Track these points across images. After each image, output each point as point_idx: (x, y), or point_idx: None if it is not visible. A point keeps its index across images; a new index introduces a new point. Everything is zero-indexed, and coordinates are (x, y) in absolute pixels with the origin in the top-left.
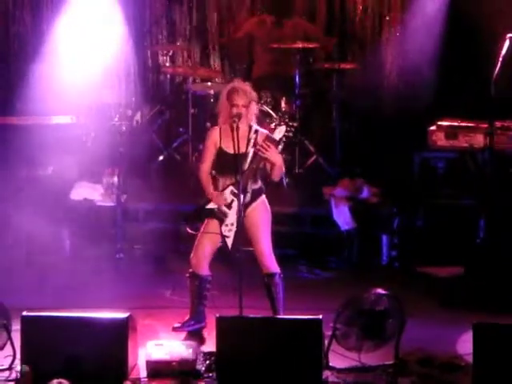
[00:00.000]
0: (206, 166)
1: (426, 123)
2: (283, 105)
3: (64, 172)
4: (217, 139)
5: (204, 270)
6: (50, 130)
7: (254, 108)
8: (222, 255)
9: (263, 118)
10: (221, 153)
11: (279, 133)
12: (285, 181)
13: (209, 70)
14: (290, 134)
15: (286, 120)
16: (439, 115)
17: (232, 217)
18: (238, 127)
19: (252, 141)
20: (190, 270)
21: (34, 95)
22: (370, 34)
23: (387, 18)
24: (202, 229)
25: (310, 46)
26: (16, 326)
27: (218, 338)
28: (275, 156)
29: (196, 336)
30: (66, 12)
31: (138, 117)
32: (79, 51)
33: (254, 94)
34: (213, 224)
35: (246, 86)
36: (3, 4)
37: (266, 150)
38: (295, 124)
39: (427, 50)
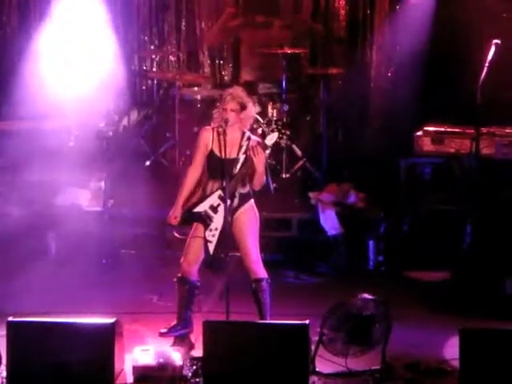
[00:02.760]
0: (194, 170)
1: (412, 128)
2: (270, 110)
3: (50, 177)
4: (209, 140)
5: (193, 275)
6: (37, 135)
7: (250, 115)
8: (208, 259)
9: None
10: (212, 156)
11: (271, 139)
12: (271, 186)
13: (196, 75)
14: (283, 142)
15: (279, 127)
16: (425, 121)
17: (217, 221)
18: (224, 132)
19: (244, 147)
20: (179, 275)
21: (20, 100)
22: (356, 38)
23: (373, 22)
24: (190, 233)
25: (297, 51)
26: (1, 332)
27: (205, 342)
28: (260, 164)
29: (183, 341)
30: (52, 16)
31: (125, 122)
32: (65, 56)
33: (247, 100)
34: (200, 228)
35: (240, 92)
36: None
37: (255, 155)
38: (288, 132)
39: (413, 55)
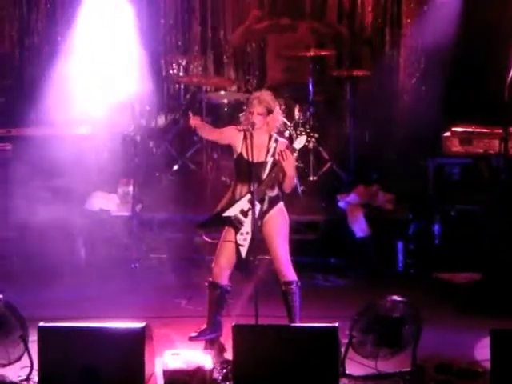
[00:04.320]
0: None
1: (440, 129)
2: (297, 113)
3: (79, 182)
4: (237, 141)
5: (224, 279)
6: (66, 141)
7: (276, 118)
8: (237, 263)
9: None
10: (240, 159)
11: (299, 143)
12: (299, 188)
13: (222, 79)
14: (311, 145)
15: (307, 130)
16: (453, 121)
17: (248, 225)
18: (251, 135)
19: (272, 150)
20: (210, 279)
21: (49, 106)
22: (383, 40)
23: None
24: (221, 237)
25: (323, 53)
26: (33, 337)
27: (235, 346)
28: (289, 167)
29: (213, 345)
30: (79, 22)
31: (152, 126)
32: (93, 61)
33: (274, 104)
34: (231, 232)
35: (267, 96)
36: (18, 15)
37: (284, 158)
38: (316, 135)
39: (440, 55)
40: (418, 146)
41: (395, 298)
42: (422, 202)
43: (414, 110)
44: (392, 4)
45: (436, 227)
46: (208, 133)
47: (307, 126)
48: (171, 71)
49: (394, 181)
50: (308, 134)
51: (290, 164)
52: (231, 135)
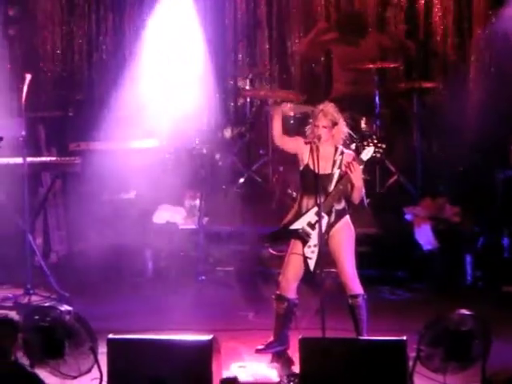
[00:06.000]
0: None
1: (509, 141)
2: (363, 125)
3: (147, 195)
4: (304, 151)
5: (292, 292)
6: (133, 155)
7: (342, 130)
8: (304, 276)
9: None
10: (306, 171)
11: (367, 154)
12: (366, 201)
13: (288, 92)
14: (378, 156)
15: (375, 141)
16: None
17: (315, 238)
18: (317, 148)
19: (338, 162)
20: (277, 292)
21: (117, 120)
22: (452, 51)
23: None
24: (288, 250)
25: (389, 65)
26: (102, 349)
27: (302, 359)
28: (358, 178)
29: (279, 358)
30: (147, 36)
31: (218, 139)
32: (160, 75)
33: (338, 116)
34: (298, 245)
35: (331, 108)
36: (86, 32)
37: (351, 171)
38: (384, 146)
39: (510, 66)
40: (486, 158)
41: (464, 311)
42: (490, 214)
43: (482, 121)
44: (462, 15)
45: (505, 240)
46: (279, 129)
47: (374, 138)
48: (238, 84)
49: (462, 193)
50: (375, 145)
51: (357, 175)
52: (299, 145)
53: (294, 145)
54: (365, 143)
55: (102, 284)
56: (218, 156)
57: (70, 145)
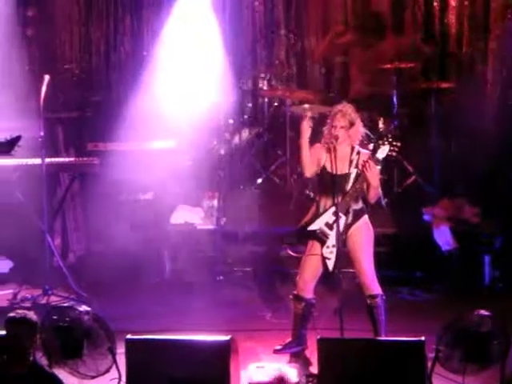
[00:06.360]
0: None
1: None
2: (381, 125)
3: (165, 196)
4: (320, 154)
5: (309, 292)
6: (151, 155)
7: (359, 130)
8: (322, 276)
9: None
10: (323, 172)
11: (382, 152)
12: (383, 201)
13: (306, 92)
14: (393, 154)
15: (390, 140)
16: None
17: (334, 238)
18: (335, 148)
19: (354, 162)
20: (295, 293)
21: (135, 121)
22: (469, 51)
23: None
24: (306, 251)
25: (406, 65)
26: (120, 349)
27: (320, 360)
28: (374, 177)
29: (297, 358)
30: (165, 37)
31: (236, 140)
32: (178, 76)
33: (355, 116)
34: (316, 246)
35: (348, 108)
36: (104, 33)
37: (368, 170)
38: (399, 144)
39: None
40: (504, 158)
41: (482, 312)
42: (509, 214)
43: (500, 122)
44: (478, 16)
45: None
46: (306, 147)
47: (389, 136)
48: (255, 85)
49: (480, 194)
50: (390, 144)
51: (374, 174)
52: (320, 155)
53: (315, 159)
54: (380, 142)
55: (119, 284)
56: (235, 156)
57: (88, 145)
